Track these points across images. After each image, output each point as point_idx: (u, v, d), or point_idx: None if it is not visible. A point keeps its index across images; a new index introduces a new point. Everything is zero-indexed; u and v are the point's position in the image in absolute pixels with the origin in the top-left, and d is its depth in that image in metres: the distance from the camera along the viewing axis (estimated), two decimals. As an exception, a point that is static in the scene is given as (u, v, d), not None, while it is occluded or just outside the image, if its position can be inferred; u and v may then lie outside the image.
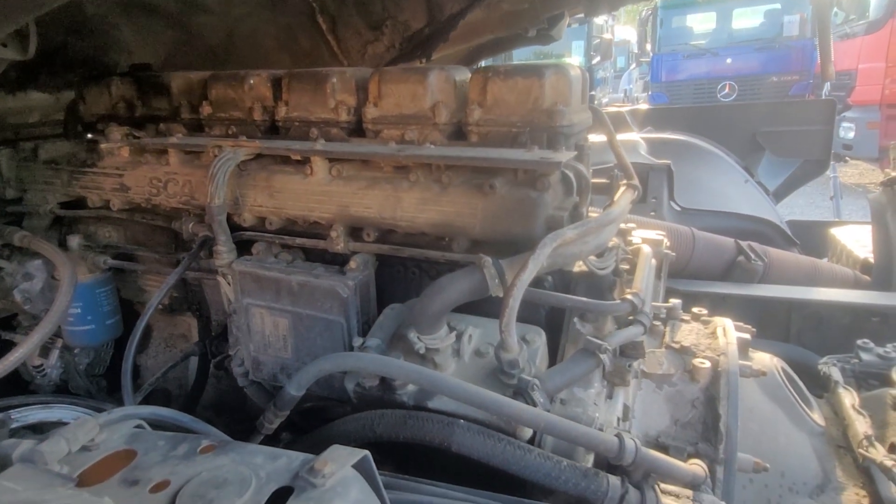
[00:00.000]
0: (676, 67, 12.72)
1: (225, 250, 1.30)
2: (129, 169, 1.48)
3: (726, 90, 12.24)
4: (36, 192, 1.63)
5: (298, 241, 1.29)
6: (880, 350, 1.60)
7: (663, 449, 1.23)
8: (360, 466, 0.73)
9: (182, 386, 1.92)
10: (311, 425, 1.17)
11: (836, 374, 1.52)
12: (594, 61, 15.53)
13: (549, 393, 0.95)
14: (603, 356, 0.98)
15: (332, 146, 1.25)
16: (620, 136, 2.99)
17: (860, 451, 1.22)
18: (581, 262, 1.17)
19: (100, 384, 1.87)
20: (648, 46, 13.88)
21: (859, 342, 1.65)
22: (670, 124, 3.43)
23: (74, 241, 1.56)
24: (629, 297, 1.08)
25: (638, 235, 1.66)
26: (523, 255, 1.00)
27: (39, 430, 1.40)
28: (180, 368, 1.82)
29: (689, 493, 1.00)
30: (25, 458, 0.73)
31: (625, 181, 1.37)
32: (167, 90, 1.62)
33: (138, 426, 0.87)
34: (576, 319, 1.17)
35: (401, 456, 1.00)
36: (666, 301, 1.60)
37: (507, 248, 1.09)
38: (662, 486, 0.99)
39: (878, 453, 1.18)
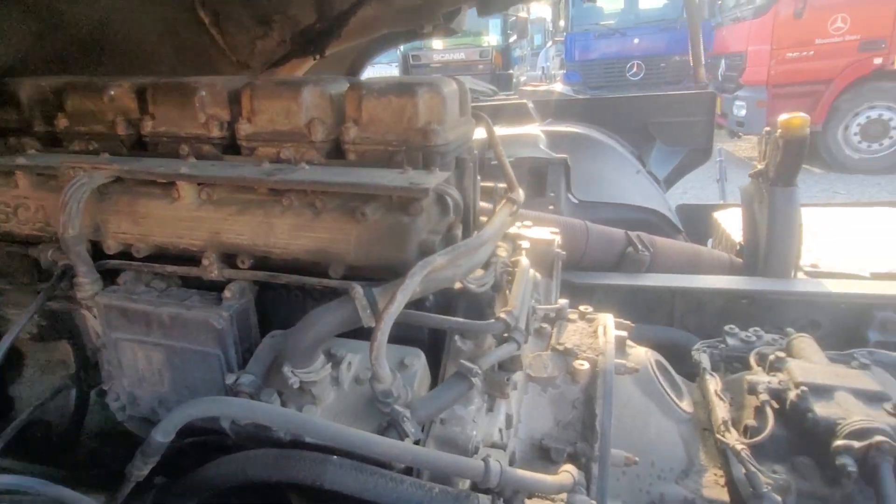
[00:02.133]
0: (588, 47, 13.11)
1: (87, 282, 1.21)
2: (-27, 192, 1.34)
3: (634, 69, 12.78)
4: None
5: (170, 268, 1.22)
6: (743, 335, 1.76)
7: (545, 451, 1.30)
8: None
9: (64, 415, 1.79)
10: (190, 464, 1.13)
11: (704, 360, 1.66)
12: (511, 40, 15.70)
13: (421, 421, 0.97)
14: (475, 379, 1.01)
15: (198, 169, 1.19)
16: (520, 130, 3.07)
17: (717, 435, 1.34)
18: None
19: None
20: (562, 24, 14.20)
21: (726, 328, 1.80)
22: (571, 115, 3.54)
23: (-84, 271, 1.40)
24: (503, 315, 1.11)
25: (529, 236, 1.72)
26: (395, 282, 1.01)
27: None
28: (62, 396, 1.70)
29: (564, 496, 1.06)
30: None
31: (506, 195, 1.40)
32: (15, 99, 1.46)
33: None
34: (457, 338, 1.19)
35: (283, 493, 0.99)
36: (555, 300, 1.67)
37: (383, 272, 1.09)
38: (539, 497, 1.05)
39: (732, 437, 1.31)
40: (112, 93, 1.37)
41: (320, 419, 0.90)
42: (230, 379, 1.04)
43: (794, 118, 1.96)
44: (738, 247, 2.56)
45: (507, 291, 1.28)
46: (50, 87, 1.46)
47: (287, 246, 1.13)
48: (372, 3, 2.14)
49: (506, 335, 1.13)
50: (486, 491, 0.95)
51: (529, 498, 1.05)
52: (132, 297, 1.18)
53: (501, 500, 0.95)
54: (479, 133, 1.51)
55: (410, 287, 0.96)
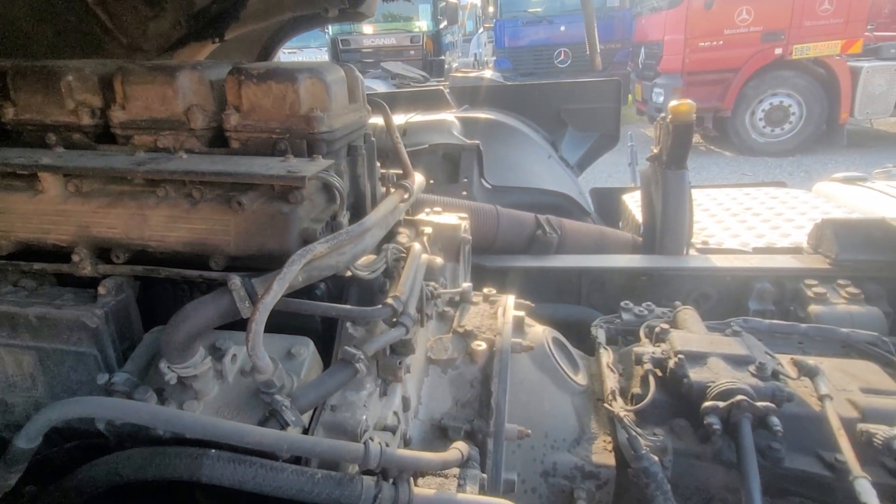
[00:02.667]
0: (518, 34, 13.29)
1: (-58, 283, 1.12)
2: None
3: (562, 56, 13.10)
4: None
5: (37, 266, 1.15)
6: (636, 309, 1.87)
7: (444, 430, 1.34)
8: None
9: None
10: (70, 466, 1.08)
11: (600, 335, 1.75)
12: (441, 25, 15.65)
13: (303, 409, 0.97)
14: (359, 364, 1.02)
15: (64, 159, 1.12)
16: (435, 116, 3.08)
17: (605, 404, 1.42)
18: (350, 268, 1.20)
19: None
20: (491, 10, 14.29)
21: (622, 304, 1.91)
22: (487, 101, 3.60)
23: None
24: (390, 301, 1.13)
25: (436, 222, 1.74)
26: (274, 272, 1.00)
27: None
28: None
29: (457, 471, 1.10)
30: None
31: (397, 181, 1.41)
32: None
33: None
34: (348, 324, 1.20)
35: (158, 493, 0.97)
36: (462, 284, 1.71)
37: (265, 262, 1.08)
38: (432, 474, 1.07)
39: (617, 405, 1.39)
40: (-34, 78, 1.26)
41: (190, 413, 0.89)
42: (102, 379, 1.00)
43: (681, 104, 2.09)
44: (641, 227, 2.70)
45: (397, 278, 1.30)
46: None
47: (163, 238, 1.09)
48: (268, -15, 2.07)
49: (395, 320, 1.15)
50: (371, 473, 0.96)
51: (422, 476, 1.08)
52: (-6, 297, 1.10)
53: (390, 481, 0.97)
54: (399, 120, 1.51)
55: (289, 276, 0.95)
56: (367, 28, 14.54)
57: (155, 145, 1.21)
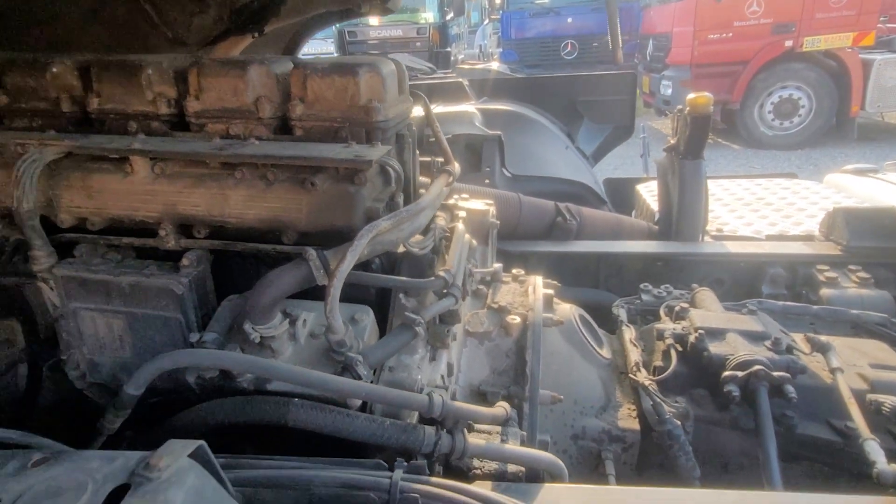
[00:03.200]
0: (524, 25, 13.31)
1: (42, 255, 1.25)
2: (-88, 170, 1.33)
3: (568, 48, 13.11)
4: None
5: (126, 240, 1.28)
6: (655, 291, 1.99)
7: (483, 395, 1.47)
8: (197, 455, 0.82)
9: (13, 393, 1.80)
10: (158, 419, 1.21)
11: (622, 314, 1.88)
12: (448, 17, 15.66)
13: (372, 365, 1.10)
14: (418, 328, 1.15)
15: (151, 144, 1.25)
16: (457, 108, 3.20)
17: (630, 375, 1.55)
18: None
19: None
20: (498, 2, 14.30)
21: (641, 286, 2.03)
22: (505, 94, 3.71)
23: None
24: (442, 273, 1.25)
25: (466, 207, 1.86)
26: (345, 245, 1.12)
27: None
28: (9, 375, 1.71)
29: (499, 429, 1.23)
30: None
31: (441, 167, 1.53)
32: (-51, 76, 1.44)
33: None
34: (401, 296, 1.33)
35: (245, 438, 1.10)
36: (491, 265, 1.83)
37: (332, 237, 1.20)
38: (478, 427, 1.20)
39: (641, 376, 1.52)
40: (55, 70, 1.39)
41: (284, 364, 1.02)
42: (194, 337, 1.13)
43: (699, 97, 2.19)
44: (655, 216, 2.81)
45: (445, 254, 1.43)
46: (-14, 63, 1.45)
47: (242, 215, 1.22)
48: (308, -18, 2.19)
49: (445, 291, 1.27)
50: (431, 422, 1.09)
51: (470, 431, 1.21)
52: (91, 267, 1.23)
53: (444, 430, 1.10)
54: (418, 111, 1.63)
55: (359, 248, 1.08)
56: (373, 20, 14.55)
57: (226, 132, 1.33)
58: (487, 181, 2.72)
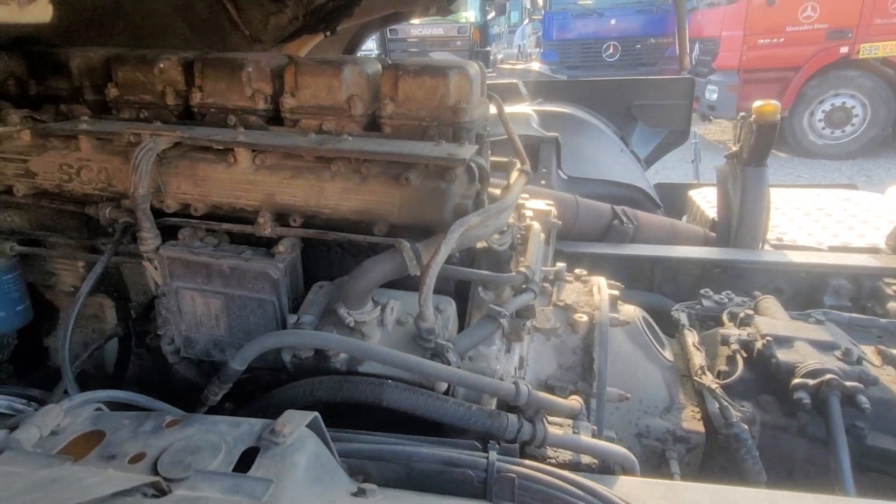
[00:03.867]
0: (566, 26, 13.20)
1: (150, 237, 1.35)
2: (35, 154, 1.45)
3: (610, 50, 12.95)
4: (-81, 177, 1.53)
5: (225, 226, 1.37)
6: (716, 297, 2.00)
7: (550, 389, 1.51)
8: (311, 426, 0.89)
9: (98, 366, 1.92)
10: (245, 394, 1.30)
11: (683, 318, 1.89)
12: (489, 16, 15.67)
13: (460, 353, 1.16)
14: (503, 320, 1.20)
15: (254, 137, 1.33)
16: (514, 109, 3.24)
17: (695, 378, 1.57)
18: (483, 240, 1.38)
19: (6, 370, 1.83)
20: (540, 2, 14.23)
21: (702, 292, 2.04)
22: (559, 96, 3.73)
23: (-27, 228, 1.51)
24: (522, 269, 1.30)
25: (530, 207, 1.90)
26: (436, 238, 1.18)
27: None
28: (99, 349, 1.83)
29: (570, 422, 1.27)
30: (1, 446, 0.81)
31: (519, 167, 1.58)
32: (66, 69, 1.56)
33: (98, 409, 0.96)
34: (480, 289, 1.38)
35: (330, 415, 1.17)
36: (553, 264, 1.87)
37: (421, 230, 1.26)
38: (549, 419, 1.25)
39: (707, 379, 1.54)
40: (161, 65, 1.49)
41: (384, 348, 1.08)
42: (292, 319, 1.21)
43: (766, 105, 2.19)
44: (711, 222, 2.80)
45: (520, 252, 1.48)
46: (98, 57, 1.57)
47: (336, 207, 1.29)
48: (382, -16, 2.26)
49: (524, 286, 1.32)
50: (511, 411, 1.15)
51: (545, 418, 1.25)
52: (194, 250, 1.32)
53: (523, 419, 1.15)
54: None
55: (451, 241, 1.13)
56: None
57: (319, 128, 1.41)
58: (544, 182, 2.76)
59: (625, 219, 2.50)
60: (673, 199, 3.53)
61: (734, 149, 2.43)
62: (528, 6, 17.87)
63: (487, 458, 0.93)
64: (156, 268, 1.39)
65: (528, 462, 0.94)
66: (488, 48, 15.80)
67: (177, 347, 1.44)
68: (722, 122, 11.52)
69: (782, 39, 9.44)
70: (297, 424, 0.86)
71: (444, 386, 1.14)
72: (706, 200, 3.04)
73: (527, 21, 18.51)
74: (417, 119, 1.37)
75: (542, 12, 13.93)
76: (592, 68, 12.76)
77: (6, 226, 1.60)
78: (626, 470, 1.19)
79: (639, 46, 12.73)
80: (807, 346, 1.55)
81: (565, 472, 0.93)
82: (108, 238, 1.55)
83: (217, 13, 2.35)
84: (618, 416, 1.54)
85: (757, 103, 2.22)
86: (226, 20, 2.36)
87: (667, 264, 2.41)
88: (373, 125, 1.43)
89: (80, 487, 0.57)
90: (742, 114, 2.39)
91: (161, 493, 0.64)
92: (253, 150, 1.34)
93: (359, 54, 3.39)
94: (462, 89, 1.35)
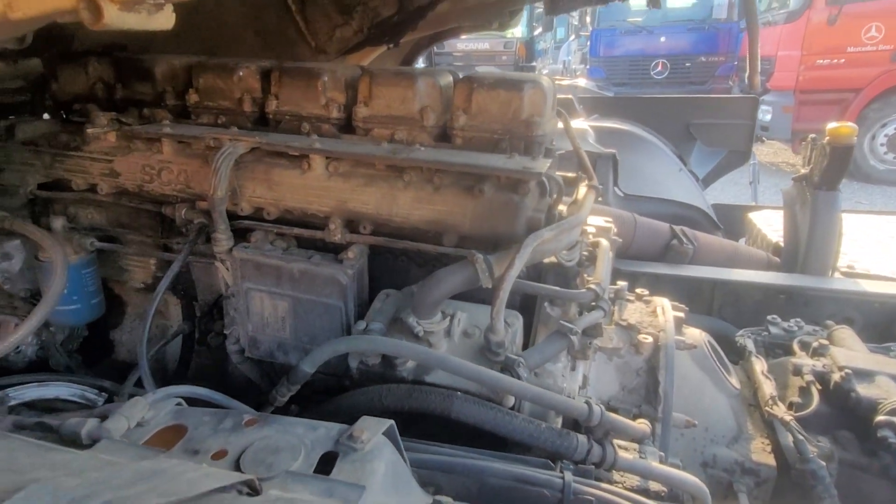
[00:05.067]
0: (614, 43, 13.08)
1: (224, 238, 1.39)
2: (119, 155, 1.52)
3: (659, 68, 12.76)
4: (13, 173, 1.62)
5: (296, 230, 1.40)
6: (785, 325, 1.91)
7: (613, 411, 1.46)
8: (387, 433, 0.88)
9: (158, 361, 1.98)
10: (303, 397, 1.30)
11: (750, 345, 1.82)
12: (536, 32, 15.69)
13: (530, 368, 1.14)
14: (573, 337, 1.18)
15: (329, 144, 1.36)
16: (572, 124, 3.21)
17: (766, 408, 1.50)
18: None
19: (77, 360, 1.90)
20: (588, 19, 14.16)
21: (769, 318, 1.96)
22: (615, 112, 3.68)
23: (59, 222, 1.58)
24: (593, 286, 1.28)
25: (591, 223, 1.87)
26: (509, 251, 1.17)
27: (34, 406, 1.45)
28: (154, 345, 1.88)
29: (636, 446, 1.23)
30: (93, 436, 0.83)
31: (587, 183, 1.55)
32: (150, 75, 1.63)
33: (178, 404, 0.98)
34: (546, 304, 1.36)
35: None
36: (614, 283, 1.83)
37: (490, 243, 1.26)
38: (616, 441, 1.21)
39: (780, 410, 1.47)
40: (241, 73, 1.54)
41: (459, 359, 1.07)
42: (361, 326, 1.21)
43: (842, 127, 2.10)
44: (773, 246, 2.70)
45: (585, 268, 1.45)
46: (181, 65, 1.63)
47: (408, 216, 1.29)
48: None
49: (593, 304, 1.29)
50: (577, 430, 1.11)
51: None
52: (265, 252, 1.35)
53: (592, 441, 1.12)
54: None
55: (525, 255, 1.12)
56: (461, 32, 14.75)
57: (391, 137, 1.42)
58: (600, 199, 2.71)
59: (684, 239, 2.43)
60: (731, 221, 3.41)
61: (803, 171, 2.34)
62: (576, 22, 17.82)
63: (563, 478, 0.90)
64: (227, 268, 1.42)
65: (604, 485, 0.91)
66: (534, 63, 15.81)
67: (241, 347, 1.47)
68: (774, 144, 11.16)
69: (843, 60, 9.11)
70: (374, 431, 0.85)
71: (511, 401, 1.12)
72: (768, 224, 2.93)
73: (573, 37, 18.45)
74: (489, 131, 1.37)
75: (590, 29, 13.86)
76: (639, 86, 12.59)
77: (87, 222, 1.67)
78: (697, 501, 1.14)
79: (688, 64, 12.49)
80: (890, 382, 1.46)
81: (641, 498, 0.89)
82: (180, 238, 1.60)
83: (285, 24, 2.42)
84: (683, 443, 1.48)
85: (832, 125, 2.13)
86: (293, 31, 2.43)
87: (728, 287, 2.33)
88: (443, 136, 1.43)
89: (184, 481, 0.58)
90: (813, 135, 2.30)
91: (255, 491, 0.64)
92: (327, 158, 1.36)
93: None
94: (536, 103, 1.34)
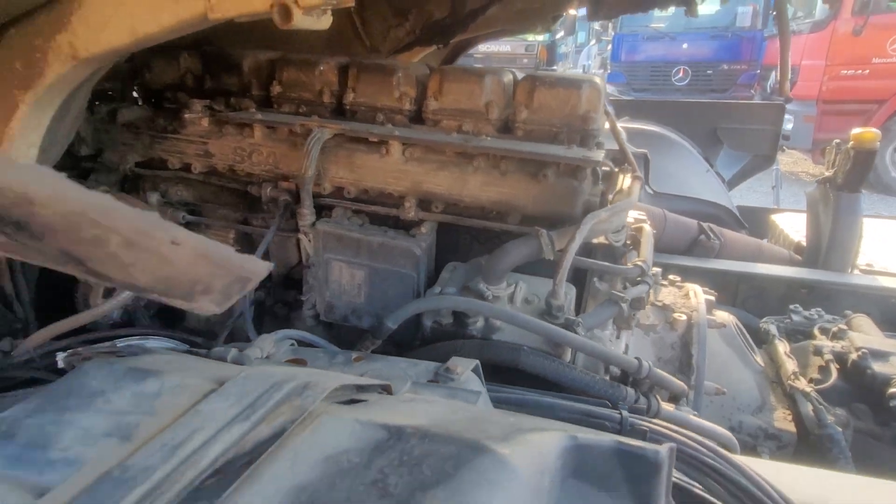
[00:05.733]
0: (636, 48, 13.13)
1: (308, 213, 1.57)
2: (214, 138, 1.71)
3: (680, 74, 12.79)
4: (115, 152, 1.82)
5: (373, 208, 1.58)
6: (806, 313, 2.06)
7: (650, 378, 1.63)
8: (473, 371, 1.05)
9: (241, 330, 2.16)
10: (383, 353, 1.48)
11: (773, 329, 1.97)
12: (558, 36, 15.79)
13: (588, 329, 1.30)
14: (623, 305, 1.34)
15: (406, 132, 1.53)
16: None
17: (788, 382, 1.65)
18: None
19: (156, 324, 2.09)
20: (611, 24, 14.23)
21: (791, 307, 2.10)
22: (644, 115, 3.83)
23: (154, 197, 1.77)
24: (639, 263, 1.44)
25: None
26: (568, 228, 1.34)
27: (135, 358, 1.64)
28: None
29: (673, 405, 1.39)
30: (237, 360, 1.02)
31: (632, 174, 1.72)
32: (237, 67, 1.82)
33: (292, 345, 1.16)
34: (595, 279, 1.53)
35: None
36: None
37: (550, 222, 1.43)
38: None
39: (801, 383, 1.62)
40: (321, 68, 1.72)
41: (533, 318, 1.24)
42: (436, 290, 1.38)
43: (866, 132, 2.24)
44: (795, 245, 2.83)
45: (630, 250, 1.61)
46: (266, 59, 1.82)
47: (477, 197, 1.47)
48: (498, 4, 2.45)
49: (639, 279, 1.46)
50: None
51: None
52: (345, 226, 1.53)
53: (639, 393, 1.28)
54: None
55: (584, 231, 1.29)
56: (481, 33, 14.90)
57: (458, 129, 1.60)
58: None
59: (711, 235, 2.58)
60: (755, 223, 3.54)
61: (827, 174, 2.48)
62: (598, 27, 17.89)
63: (621, 414, 1.07)
64: (310, 241, 1.61)
65: (655, 420, 1.08)
66: (555, 67, 15.90)
67: (316, 312, 1.66)
68: (794, 154, 11.16)
69: (867, 71, 9.13)
70: (465, 367, 1.03)
71: (568, 356, 1.29)
72: (790, 225, 3.06)
73: (594, 42, 18.53)
74: (549, 125, 1.53)
75: (612, 33, 13.91)
76: (660, 92, 12.61)
77: (178, 198, 1.86)
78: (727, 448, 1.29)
79: (710, 72, 12.51)
80: (904, 361, 1.60)
81: (689, 432, 1.06)
82: (260, 214, 1.79)
83: (343, 24, 2.60)
84: (712, 409, 1.64)
85: (856, 130, 2.27)
86: (350, 30, 2.61)
87: (753, 281, 2.47)
88: (505, 128, 1.60)
89: (333, 377, 0.75)
90: (837, 140, 2.44)
91: (390, 393, 0.82)
92: (403, 144, 1.54)
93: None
94: (592, 100, 1.51)
